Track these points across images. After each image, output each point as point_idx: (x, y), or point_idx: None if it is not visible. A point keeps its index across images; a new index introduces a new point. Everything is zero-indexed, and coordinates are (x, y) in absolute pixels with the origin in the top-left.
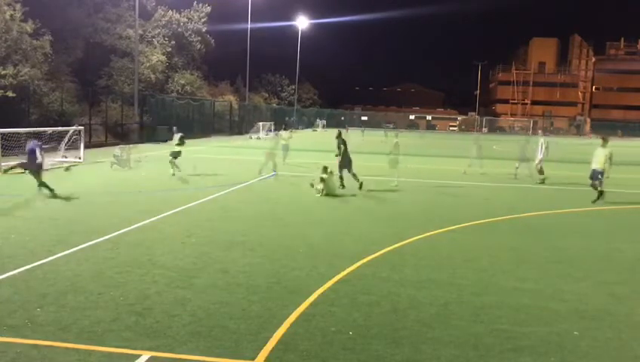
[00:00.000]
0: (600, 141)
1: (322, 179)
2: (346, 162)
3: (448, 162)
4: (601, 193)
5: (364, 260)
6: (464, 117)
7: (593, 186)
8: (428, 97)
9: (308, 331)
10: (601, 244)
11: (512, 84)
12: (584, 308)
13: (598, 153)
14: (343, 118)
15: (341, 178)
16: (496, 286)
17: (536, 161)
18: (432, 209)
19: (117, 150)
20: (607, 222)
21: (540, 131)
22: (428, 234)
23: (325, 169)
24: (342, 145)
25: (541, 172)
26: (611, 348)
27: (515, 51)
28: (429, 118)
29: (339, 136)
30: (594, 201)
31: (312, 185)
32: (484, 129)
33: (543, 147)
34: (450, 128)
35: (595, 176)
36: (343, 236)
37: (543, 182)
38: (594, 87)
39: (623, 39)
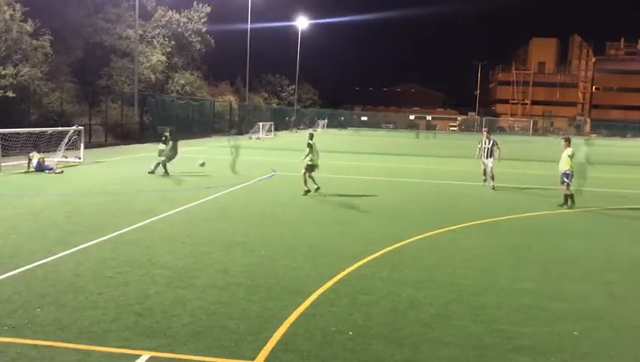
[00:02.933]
0: (563, 143)
1: (310, 145)
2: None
3: (448, 162)
4: (570, 196)
5: (364, 260)
6: (464, 117)
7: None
8: (428, 97)
9: (308, 331)
10: (601, 244)
11: (511, 84)
12: (584, 308)
13: (562, 155)
14: (342, 118)
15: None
16: (496, 286)
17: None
18: (432, 209)
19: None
20: (607, 223)
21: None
22: (428, 234)
23: (311, 136)
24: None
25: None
26: (611, 348)
27: (515, 51)
28: (429, 118)
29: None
30: (561, 205)
31: (310, 190)
32: (484, 129)
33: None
34: (450, 128)
35: (561, 178)
36: (343, 236)
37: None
38: (594, 87)
39: (623, 39)
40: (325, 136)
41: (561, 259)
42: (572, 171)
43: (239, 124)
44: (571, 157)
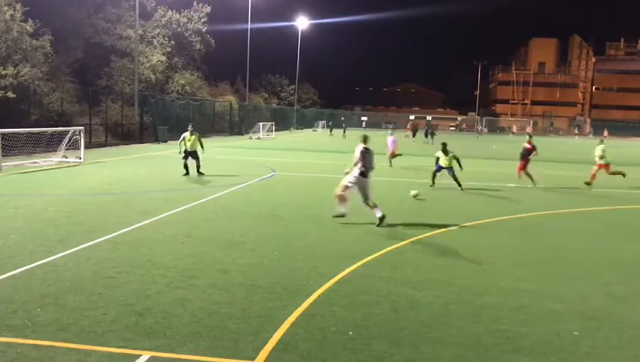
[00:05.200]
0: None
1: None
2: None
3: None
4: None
5: (364, 260)
6: (464, 117)
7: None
8: (428, 97)
9: (308, 331)
10: (600, 244)
11: (511, 84)
12: (584, 308)
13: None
14: (342, 118)
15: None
16: (496, 286)
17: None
18: (432, 209)
19: None
20: (606, 223)
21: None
22: (428, 234)
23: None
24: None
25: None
26: (611, 348)
27: (515, 51)
28: (429, 118)
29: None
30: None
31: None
32: (484, 129)
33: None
34: (450, 128)
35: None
36: (343, 236)
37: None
38: (594, 87)
39: (623, 39)
40: (325, 135)
41: (561, 259)
42: (450, 167)
43: (239, 124)
44: (448, 158)
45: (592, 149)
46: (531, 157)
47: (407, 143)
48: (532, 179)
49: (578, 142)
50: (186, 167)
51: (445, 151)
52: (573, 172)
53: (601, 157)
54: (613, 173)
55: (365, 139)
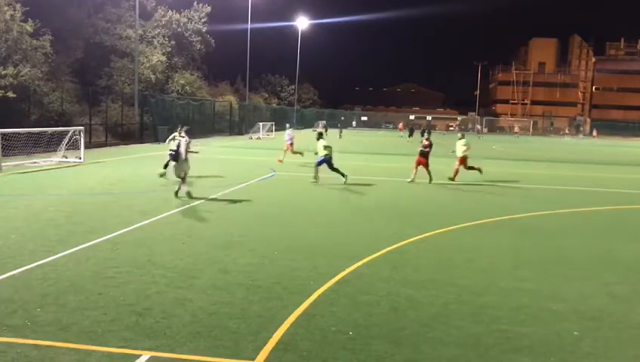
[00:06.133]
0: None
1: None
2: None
3: (448, 162)
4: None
5: (364, 260)
6: (464, 117)
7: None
8: (428, 97)
9: (308, 331)
10: (601, 244)
11: (511, 84)
12: (584, 308)
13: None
14: (342, 118)
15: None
16: (496, 286)
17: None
18: (432, 209)
19: None
20: (606, 223)
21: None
22: (428, 234)
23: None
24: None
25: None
26: (611, 348)
27: (515, 51)
28: (429, 118)
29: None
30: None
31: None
32: (484, 129)
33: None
34: (450, 128)
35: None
36: (343, 236)
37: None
38: (594, 87)
39: (623, 39)
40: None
41: (561, 259)
42: (325, 156)
43: (239, 124)
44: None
45: (587, 149)
46: (428, 151)
47: (400, 143)
48: (430, 175)
49: (572, 141)
50: (167, 166)
51: (319, 141)
52: (574, 172)
53: (463, 152)
54: (471, 168)
55: (187, 131)
